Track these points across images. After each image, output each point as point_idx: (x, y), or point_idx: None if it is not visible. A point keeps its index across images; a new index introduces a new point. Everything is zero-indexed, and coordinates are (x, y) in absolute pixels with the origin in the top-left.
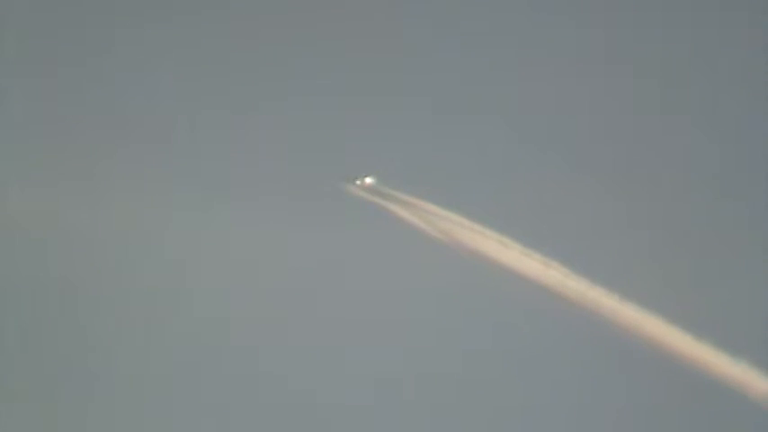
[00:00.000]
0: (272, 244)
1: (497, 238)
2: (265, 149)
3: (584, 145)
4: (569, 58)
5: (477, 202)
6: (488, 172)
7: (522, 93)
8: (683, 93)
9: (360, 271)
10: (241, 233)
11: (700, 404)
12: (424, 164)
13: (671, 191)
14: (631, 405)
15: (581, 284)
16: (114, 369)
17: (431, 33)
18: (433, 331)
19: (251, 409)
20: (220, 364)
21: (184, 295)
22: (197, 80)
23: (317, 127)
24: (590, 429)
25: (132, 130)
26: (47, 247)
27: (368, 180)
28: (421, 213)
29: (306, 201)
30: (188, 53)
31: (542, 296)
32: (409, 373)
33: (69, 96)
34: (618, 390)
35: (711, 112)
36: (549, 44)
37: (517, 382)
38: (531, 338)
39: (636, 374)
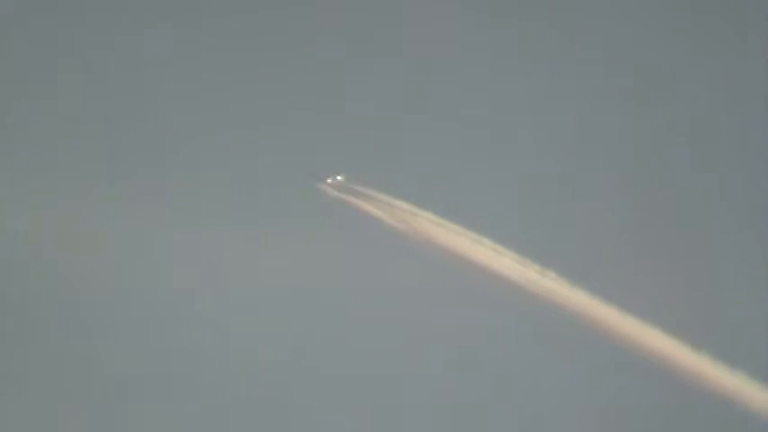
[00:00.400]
0: (247, 245)
1: (472, 237)
2: (231, 150)
3: (576, 143)
4: (559, 56)
5: (453, 199)
6: (463, 168)
7: (503, 88)
8: (683, 96)
9: (341, 272)
10: (218, 238)
11: (698, 414)
12: (397, 161)
13: (670, 197)
14: (626, 413)
15: (562, 285)
16: (112, 389)
17: (402, 28)
18: (412, 331)
19: (247, 423)
20: (219, 374)
21: (183, 308)
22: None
23: (285, 126)
24: None
25: (129, 144)
26: (43, 264)
27: (339, 178)
28: (393, 210)
29: (278, 201)
30: (175, 49)
31: (518, 294)
32: (388, 374)
33: (68, 112)
34: (611, 396)
35: (712, 120)
36: (534, 40)
37: (503, 387)
38: (512, 339)
39: (631, 382)
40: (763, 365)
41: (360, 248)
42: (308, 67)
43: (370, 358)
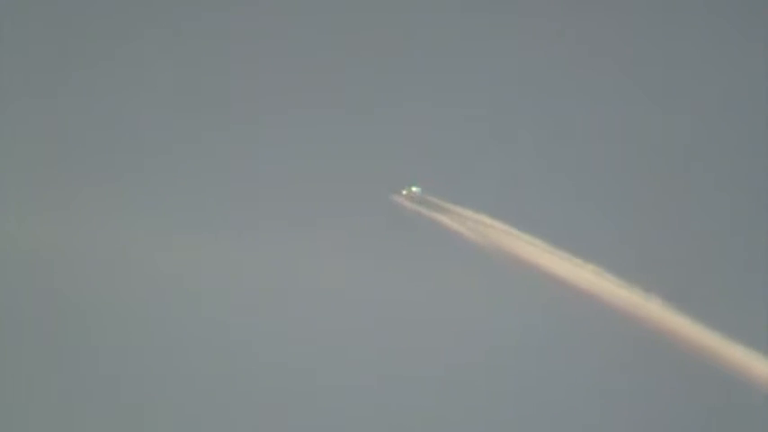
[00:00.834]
0: (320, 258)
1: (544, 246)
2: (299, 161)
3: (625, 151)
4: (602, 67)
5: (528, 210)
6: (538, 178)
7: (591, 97)
8: (696, 89)
9: (416, 285)
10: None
11: (704, 389)
12: (473, 172)
13: (676, 181)
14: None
15: (616, 285)
16: (112, 395)
17: (467, 43)
18: (485, 343)
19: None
20: (224, 388)
21: (188, 317)
22: (198, 93)
23: (360, 136)
24: (602, 415)
25: (131, 149)
26: (42, 270)
27: (414, 189)
28: (469, 223)
29: (352, 212)
30: (189, 61)
31: (589, 300)
32: (455, 381)
33: (67, 117)
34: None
35: (718, 115)
36: (579, 53)
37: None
38: (568, 338)
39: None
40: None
41: (435, 261)
42: (384, 76)
43: (442, 370)
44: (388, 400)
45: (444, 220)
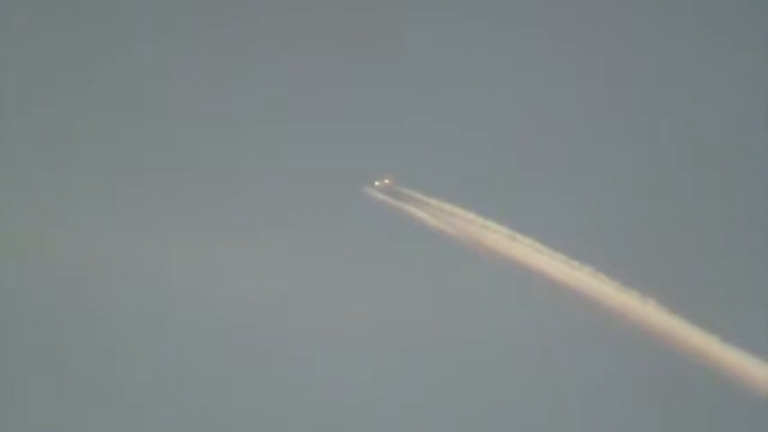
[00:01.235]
0: (290, 251)
1: (521, 239)
2: (272, 154)
3: (611, 145)
4: (577, 66)
5: (500, 202)
6: (511, 171)
7: (540, 89)
8: (697, 89)
9: (389, 277)
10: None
11: (704, 393)
12: (447, 162)
13: (673, 182)
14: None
15: (605, 283)
16: (110, 406)
17: (445, 31)
18: (462, 333)
19: None
20: (223, 398)
21: (189, 323)
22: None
23: (330, 127)
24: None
25: (131, 156)
26: (43, 279)
27: (386, 181)
28: (441, 214)
29: (322, 204)
30: (187, 59)
31: (563, 293)
32: (427, 379)
33: (67, 124)
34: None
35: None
36: (568, 45)
37: (528, 375)
38: (548, 334)
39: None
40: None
41: (408, 253)
42: (350, 67)
43: (414, 364)
44: (373, 399)
45: (417, 211)
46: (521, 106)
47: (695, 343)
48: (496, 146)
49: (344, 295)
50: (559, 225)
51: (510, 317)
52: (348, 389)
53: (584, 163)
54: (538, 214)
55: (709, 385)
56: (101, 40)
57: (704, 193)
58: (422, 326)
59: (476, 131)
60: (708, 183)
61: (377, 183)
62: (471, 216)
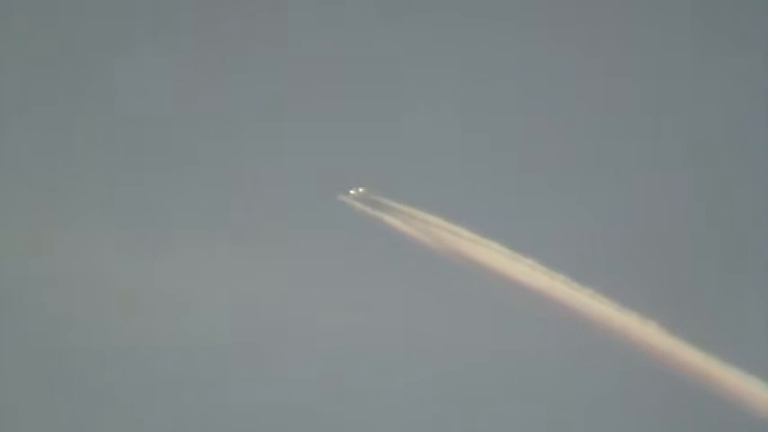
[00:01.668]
0: (259, 261)
1: (499, 249)
2: (240, 159)
3: (590, 151)
4: (568, 64)
5: (482, 212)
6: (488, 180)
7: (522, 96)
8: (687, 92)
9: (365, 289)
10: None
11: (701, 413)
12: (424, 171)
13: (672, 196)
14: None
15: (585, 295)
16: (110, 416)
17: (422, 36)
18: (440, 348)
19: None
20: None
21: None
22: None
23: (303, 133)
24: None
25: (125, 160)
26: (40, 287)
27: (361, 189)
28: (420, 224)
29: (294, 214)
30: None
31: (544, 305)
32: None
33: (63, 131)
34: (618, 398)
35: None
36: (547, 51)
37: (518, 390)
38: (531, 348)
39: (638, 385)
40: (765, 363)
41: (384, 263)
42: (321, 68)
43: (392, 376)
44: (344, 409)
45: (394, 221)
46: (507, 109)
47: (696, 364)
48: (483, 152)
49: (317, 305)
50: (552, 239)
51: (494, 333)
52: (312, 395)
53: (578, 173)
54: (531, 229)
55: (710, 407)
56: (100, 40)
57: (706, 211)
58: (398, 337)
59: (460, 137)
60: (711, 201)
61: (352, 191)
62: (452, 227)
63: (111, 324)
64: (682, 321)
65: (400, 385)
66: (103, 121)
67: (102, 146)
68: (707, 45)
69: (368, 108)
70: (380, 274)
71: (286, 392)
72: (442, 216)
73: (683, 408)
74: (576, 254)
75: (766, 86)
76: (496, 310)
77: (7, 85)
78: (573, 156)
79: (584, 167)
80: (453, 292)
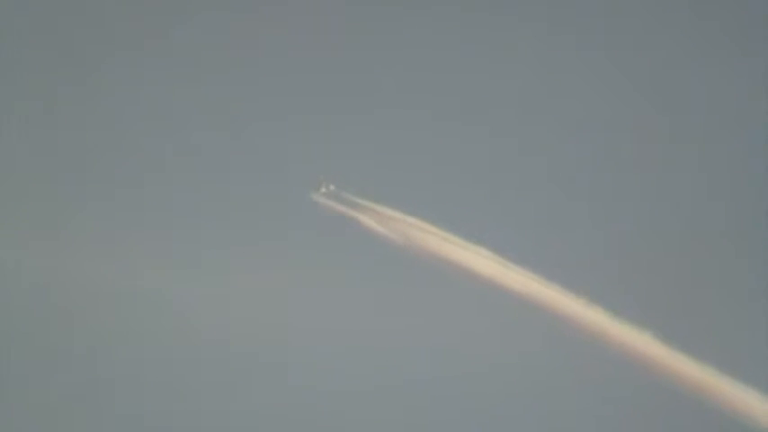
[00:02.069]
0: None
1: (472, 248)
2: (210, 158)
3: (568, 149)
4: (549, 54)
5: (453, 209)
6: (461, 177)
7: (495, 91)
8: (682, 96)
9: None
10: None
11: (697, 424)
12: (394, 167)
13: (664, 199)
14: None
15: (552, 291)
16: (109, 416)
17: (396, 29)
18: (412, 346)
19: None
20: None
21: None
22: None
23: (270, 133)
24: None
25: (122, 174)
26: (38, 302)
27: (332, 187)
28: (390, 222)
29: (264, 211)
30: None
31: (516, 303)
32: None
33: (63, 145)
34: (612, 406)
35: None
36: (537, 51)
37: (499, 395)
38: (509, 348)
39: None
40: (764, 374)
41: (356, 262)
42: (297, 64)
43: (368, 375)
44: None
45: (364, 218)
46: (487, 109)
47: (693, 375)
48: (462, 153)
49: (289, 304)
50: (546, 247)
51: (468, 332)
52: (289, 394)
53: (570, 179)
54: (510, 230)
55: (708, 418)
56: (99, 40)
57: (706, 216)
58: (370, 335)
59: (440, 136)
60: (708, 205)
61: (323, 189)
62: (428, 226)
63: (107, 325)
64: (677, 331)
65: (370, 384)
66: (97, 126)
67: (94, 152)
68: (707, 45)
69: (342, 107)
70: (352, 273)
71: (260, 392)
72: (418, 215)
73: (679, 417)
74: (556, 252)
75: (766, 86)
76: (472, 309)
77: (7, 86)
78: (556, 157)
79: (566, 168)
80: (427, 291)
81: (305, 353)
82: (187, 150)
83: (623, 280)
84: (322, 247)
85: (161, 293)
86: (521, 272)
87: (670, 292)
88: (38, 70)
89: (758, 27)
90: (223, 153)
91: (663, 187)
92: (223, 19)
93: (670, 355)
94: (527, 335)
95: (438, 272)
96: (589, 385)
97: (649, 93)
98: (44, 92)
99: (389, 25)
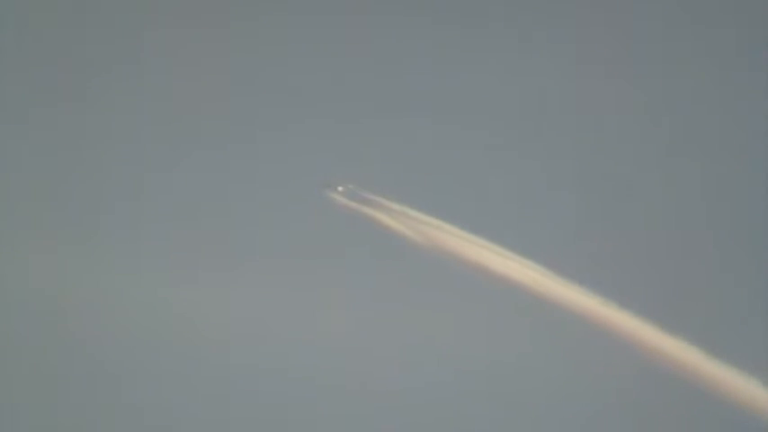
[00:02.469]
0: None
1: (485, 245)
2: (226, 154)
3: (578, 149)
4: (556, 57)
5: (473, 209)
6: (477, 176)
7: (508, 93)
8: (684, 88)
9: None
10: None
11: (700, 415)
12: (407, 168)
13: (670, 196)
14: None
15: (568, 288)
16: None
17: (410, 32)
18: (432, 349)
19: None
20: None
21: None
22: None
23: (288, 134)
24: None
25: (123, 184)
26: (40, 316)
27: (350, 186)
28: (406, 220)
29: (278, 211)
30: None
31: (532, 301)
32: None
33: (63, 144)
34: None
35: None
36: (537, 45)
37: (511, 391)
38: (523, 345)
39: (633, 384)
40: (765, 364)
41: (373, 261)
42: (311, 66)
43: (384, 375)
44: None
45: (383, 218)
46: (500, 107)
47: (697, 367)
48: (475, 150)
49: (303, 304)
50: (547, 238)
51: (486, 333)
52: (298, 394)
53: (581, 175)
54: (524, 227)
55: (712, 411)
56: (100, 40)
57: (706, 207)
58: (386, 335)
59: (455, 135)
60: (708, 196)
61: (340, 188)
62: (443, 224)
63: (107, 326)
64: (680, 322)
65: (385, 386)
66: (97, 126)
67: (94, 152)
68: (707, 46)
69: (359, 106)
70: (369, 272)
71: (269, 390)
72: (433, 214)
73: (682, 409)
74: (570, 250)
75: (766, 86)
76: (487, 309)
77: (7, 87)
78: (566, 154)
79: (576, 166)
80: (443, 290)
81: (324, 355)
82: (201, 145)
83: (650, 283)
84: (338, 245)
85: (172, 294)
86: (544, 273)
87: (672, 283)
88: (38, 70)
89: (758, 27)
90: (237, 151)
91: (665, 184)
92: (242, 16)
93: (673, 346)
94: (550, 336)
95: (458, 272)
96: (610, 385)
97: (651, 92)
98: (44, 92)
99: (416, 20)
